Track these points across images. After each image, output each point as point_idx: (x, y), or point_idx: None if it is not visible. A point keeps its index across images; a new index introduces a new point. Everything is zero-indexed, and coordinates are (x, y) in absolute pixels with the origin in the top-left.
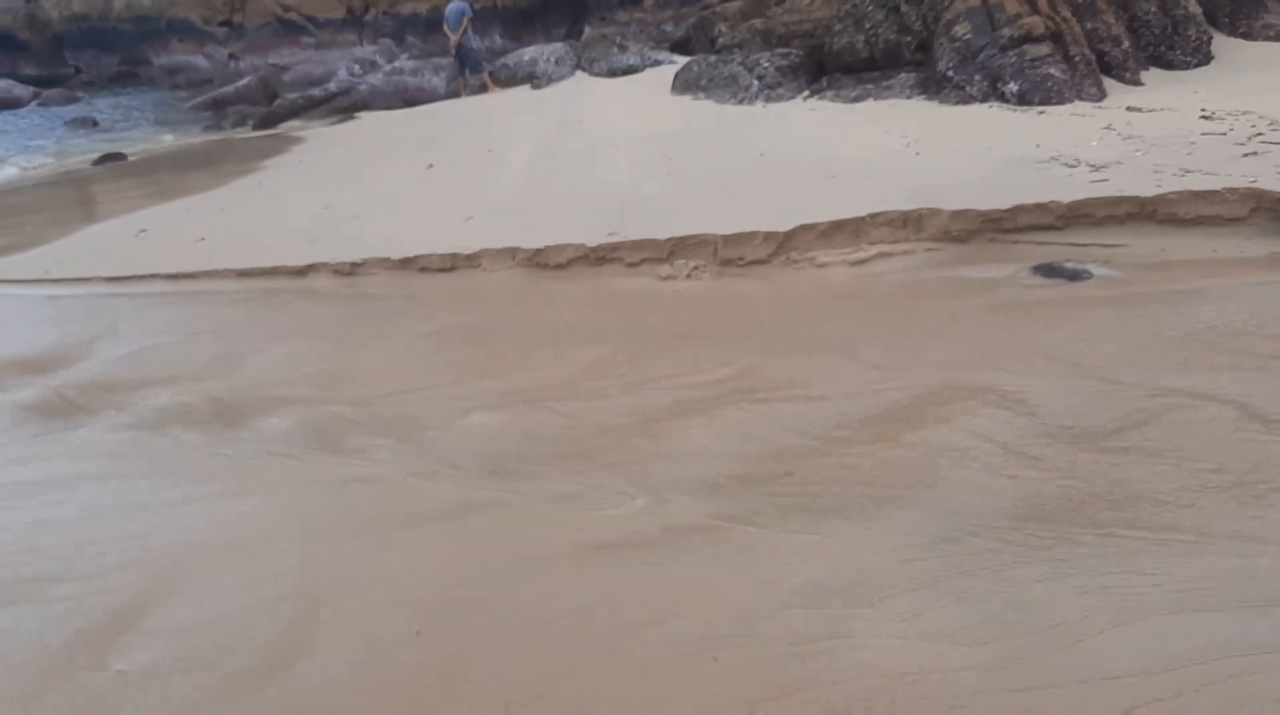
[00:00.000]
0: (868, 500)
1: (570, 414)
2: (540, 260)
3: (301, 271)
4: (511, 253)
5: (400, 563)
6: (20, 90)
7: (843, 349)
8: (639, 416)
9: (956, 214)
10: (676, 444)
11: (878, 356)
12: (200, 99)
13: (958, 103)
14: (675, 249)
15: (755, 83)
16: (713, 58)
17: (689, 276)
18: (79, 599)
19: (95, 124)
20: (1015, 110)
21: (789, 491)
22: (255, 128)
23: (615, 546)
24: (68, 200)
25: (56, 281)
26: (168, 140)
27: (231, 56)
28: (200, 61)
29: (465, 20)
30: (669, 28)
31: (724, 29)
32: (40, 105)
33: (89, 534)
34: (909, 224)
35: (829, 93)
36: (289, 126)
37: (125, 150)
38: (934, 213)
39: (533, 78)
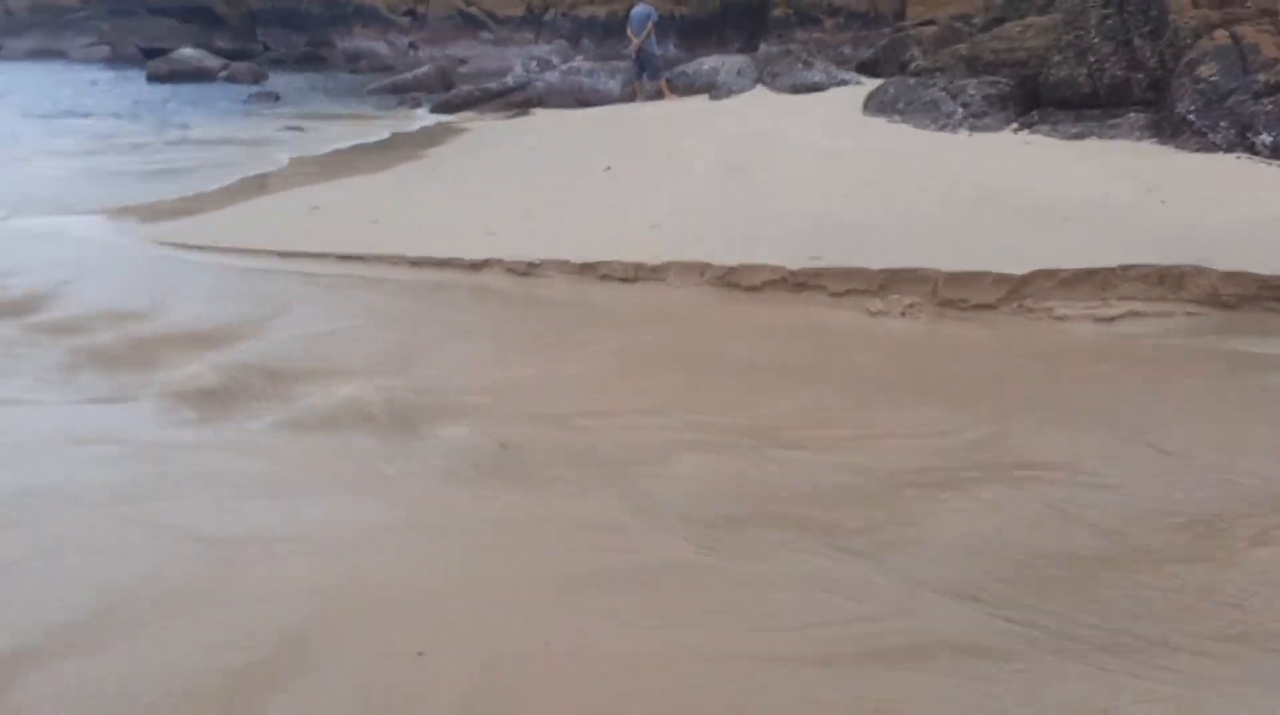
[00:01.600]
0: (1211, 640)
1: (791, 466)
2: (732, 280)
3: (476, 266)
4: (700, 268)
5: (591, 632)
6: (211, 62)
7: (1111, 424)
8: (874, 481)
9: (1229, 276)
10: (926, 527)
11: (1160, 438)
12: (379, 83)
13: (1197, 150)
14: (887, 282)
15: (959, 110)
16: (911, 80)
17: (902, 314)
18: (216, 650)
19: (277, 99)
20: (1270, 164)
21: (1082, 612)
22: (432, 111)
23: (856, 659)
24: (240, 169)
25: (227, 250)
26: (348, 119)
27: (411, 45)
28: (381, 48)
29: (650, 24)
30: (847, 49)
31: (918, 53)
32: (227, 79)
33: (244, 560)
34: (1167, 281)
35: (1043, 127)
36: (463, 116)
37: (302, 126)
38: (1200, 272)
39: (712, 88)
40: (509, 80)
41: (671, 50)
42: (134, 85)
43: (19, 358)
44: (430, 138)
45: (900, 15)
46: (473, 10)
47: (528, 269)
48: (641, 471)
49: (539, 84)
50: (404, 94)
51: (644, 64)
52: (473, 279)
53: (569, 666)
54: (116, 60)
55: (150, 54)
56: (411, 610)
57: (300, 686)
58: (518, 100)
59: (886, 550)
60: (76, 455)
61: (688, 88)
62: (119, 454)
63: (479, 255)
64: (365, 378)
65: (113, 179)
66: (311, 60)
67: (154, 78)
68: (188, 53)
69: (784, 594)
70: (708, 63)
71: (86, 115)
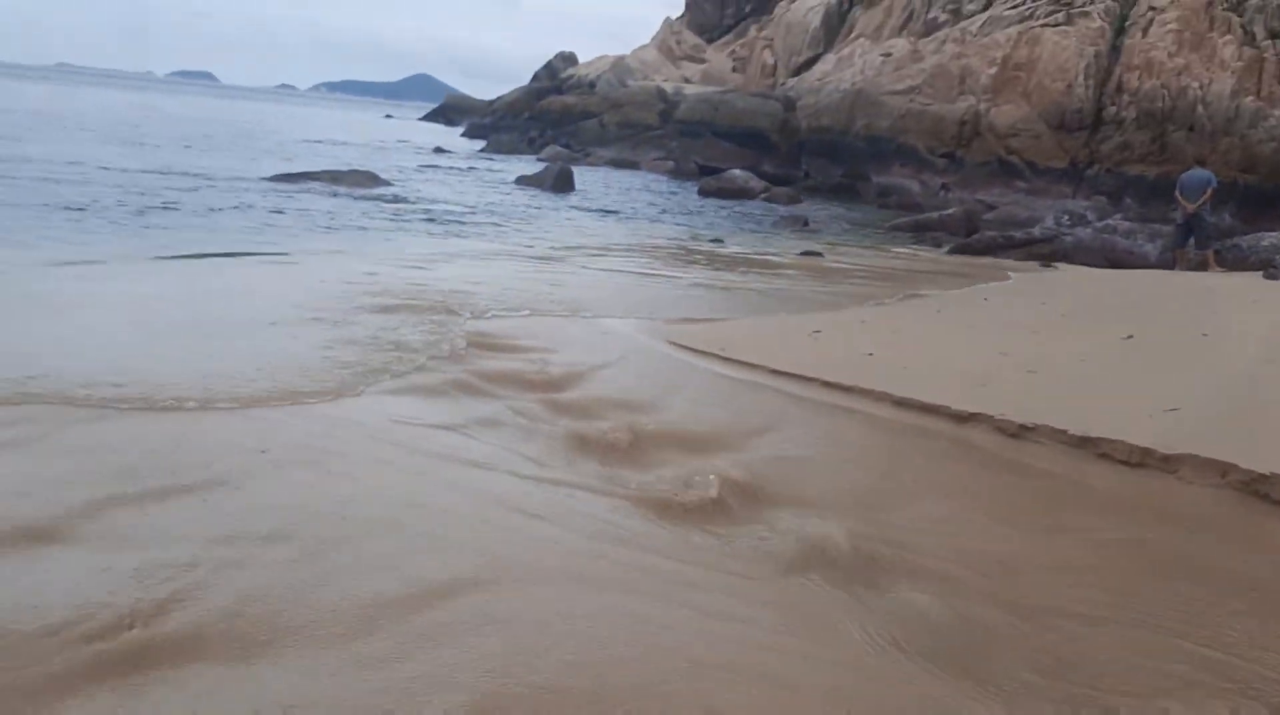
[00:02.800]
0: None
1: None
2: (1263, 489)
3: (962, 418)
4: (1223, 468)
5: None
6: (755, 183)
7: None
8: None
9: None
10: None
11: None
12: (902, 219)
13: None
14: None
15: None
16: None
17: None
18: None
19: (805, 223)
20: None
21: None
22: (949, 253)
23: None
24: (761, 286)
25: (727, 360)
26: (864, 250)
27: (944, 187)
28: (914, 186)
29: (1209, 190)
30: None
31: None
32: (766, 199)
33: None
34: None
35: None
36: (981, 262)
37: (821, 251)
38: None
39: (1269, 266)
40: (1035, 231)
41: (1227, 220)
42: (686, 197)
43: (534, 431)
44: (940, 278)
45: None
46: (1012, 158)
47: (1018, 431)
48: (1130, 707)
49: (1068, 238)
50: (925, 232)
51: (1194, 231)
52: (957, 431)
53: None
54: (677, 174)
55: (705, 171)
56: None
57: None
58: (1042, 252)
59: None
60: (547, 531)
61: (1238, 262)
62: (591, 535)
63: (967, 406)
64: (835, 516)
65: (660, 284)
66: (845, 190)
67: (704, 192)
68: (736, 173)
69: None
70: (1268, 238)
71: (655, 219)
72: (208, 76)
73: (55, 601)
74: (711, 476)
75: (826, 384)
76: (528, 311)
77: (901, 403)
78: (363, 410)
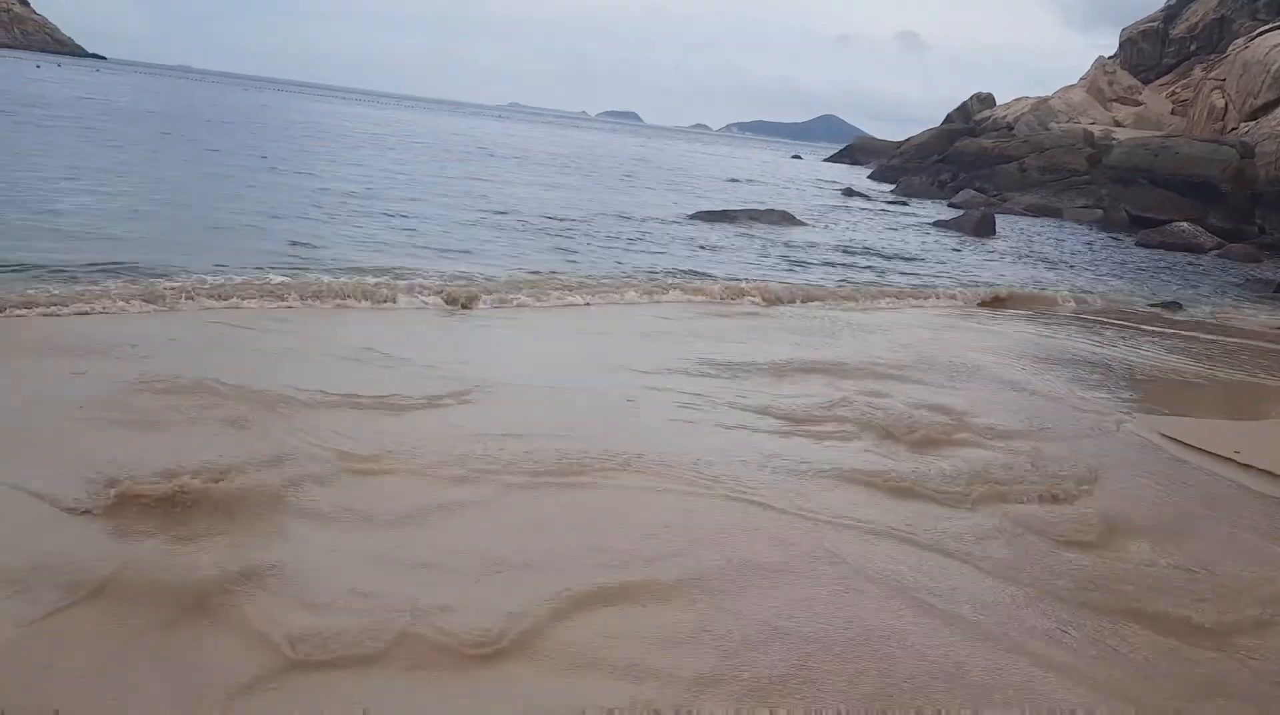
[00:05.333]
0: None
1: None
2: None
3: None
4: None
5: None
6: (1205, 238)
7: None
8: None
9: None
10: None
11: None
12: None
13: None
14: None
15: None
16: None
17: None
18: None
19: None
20: None
21: None
22: None
23: None
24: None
25: (1246, 467)
26: None
27: None
28: None
29: None
30: None
31: None
32: (1220, 256)
33: None
34: None
35: None
36: None
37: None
38: None
39: None
40: None
41: None
42: (1121, 249)
43: None
44: None
45: None
46: None
47: None
48: None
49: None
50: None
51: None
52: None
53: None
54: (1106, 224)
55: (1137, 221)
56: None
57: None
58: None
59: None
60: None
61: None
62: None
63: None
64: None
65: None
66: None
67: (1143, 244)
68: (1183, 227)
69: None
70: None
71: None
72: (633, 116)
73: None
74: None
75: None
76: None
77: None
78: None
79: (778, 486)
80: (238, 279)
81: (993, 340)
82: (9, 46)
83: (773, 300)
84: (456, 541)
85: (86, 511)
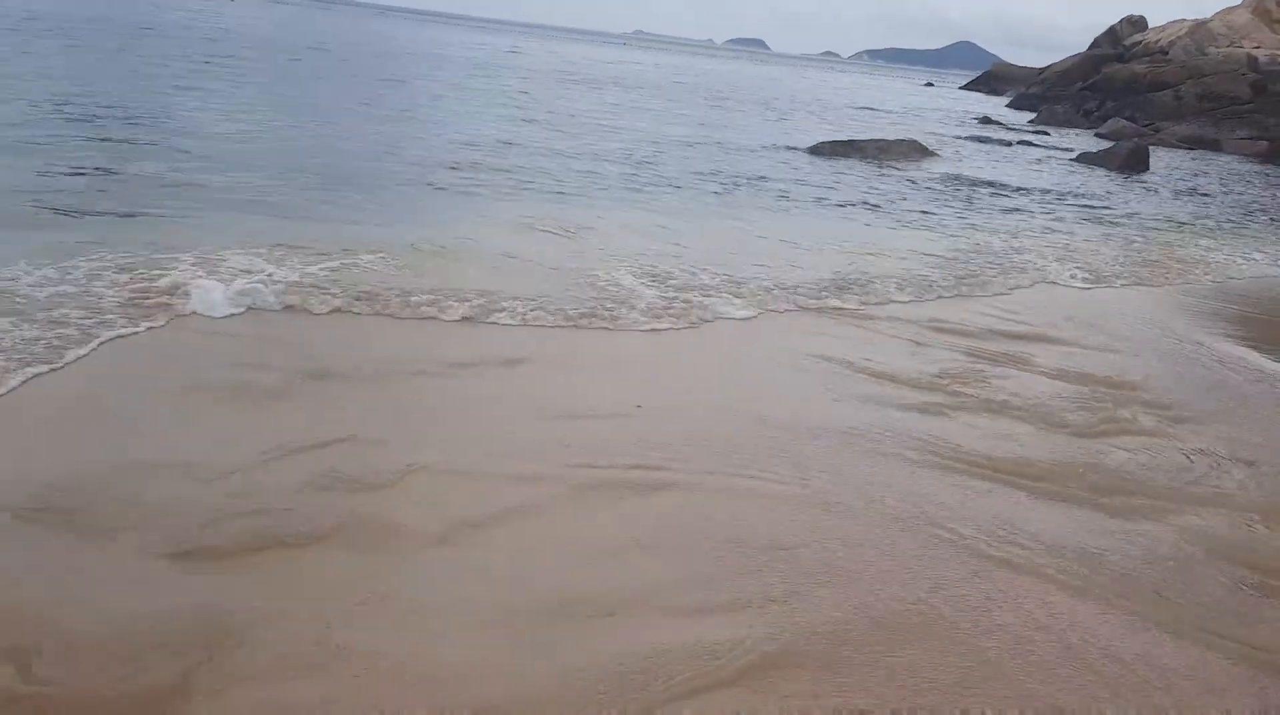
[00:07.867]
0: None
1: None
2: None
3: None
4: None
5: None
6: None
7: None
8: None
9: None
10: None
11: None
12: None
13: None
14: None
15: None
16: None
17: None
18: None
19: None
20: None
21: None
22: None
23: None
24: None
25: None
26: None
27: None
28: None
29: None
30: None
31: None
32: None
33: None
34: None
35: None
36: None
37: None
38: None
39: None
40: None
41: None
42: None
43: None
44: None
45: None
46: None
47: None
48: None
49: None
50: None
51: None
52: None
53: None
54: (1271, 158)
55: None
56: None
57: None
58: None
59: None
60: None
61: None
62: None
63: None
64: None
65: None
66: None
67: None
68: None
69: None
70: None
71: None
72: (760, 44)
73: None
74: None
75: None
76: None
77: None
78: None
79: None
80: None
81: None
82: None
83: None
84: None
85: None
